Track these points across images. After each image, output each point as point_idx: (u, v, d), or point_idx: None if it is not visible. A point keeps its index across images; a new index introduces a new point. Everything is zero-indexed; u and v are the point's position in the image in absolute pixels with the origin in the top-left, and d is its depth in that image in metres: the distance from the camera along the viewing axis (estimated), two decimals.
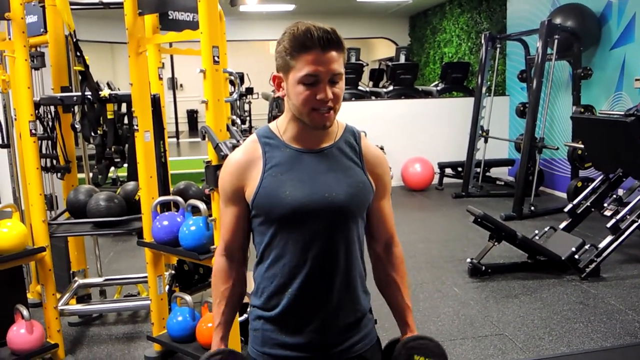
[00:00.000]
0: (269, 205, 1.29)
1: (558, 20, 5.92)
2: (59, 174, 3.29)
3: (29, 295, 3.65)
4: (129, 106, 2.90)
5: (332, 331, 1.35)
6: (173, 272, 3.46)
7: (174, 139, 12.16)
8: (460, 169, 7.47)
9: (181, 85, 15.19)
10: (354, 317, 1.38)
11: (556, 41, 5.81)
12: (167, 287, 3.17)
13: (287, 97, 1.28)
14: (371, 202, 1.38)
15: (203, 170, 2.66)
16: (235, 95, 2.75)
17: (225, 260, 1.41)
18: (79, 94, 2.91)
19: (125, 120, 3.17)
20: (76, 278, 3.55)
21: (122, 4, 2.79)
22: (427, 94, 8.49)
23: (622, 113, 4.46)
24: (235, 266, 1.42)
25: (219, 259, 1.42)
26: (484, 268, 4.17)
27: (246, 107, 12.08)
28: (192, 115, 15.67)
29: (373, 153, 1.40)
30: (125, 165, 3.42)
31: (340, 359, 1.36)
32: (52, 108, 3.18)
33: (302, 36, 1.21)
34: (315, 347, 1.34)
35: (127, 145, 3.19)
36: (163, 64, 3.31)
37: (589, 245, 4.16)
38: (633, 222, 4.13)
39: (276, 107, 7.92)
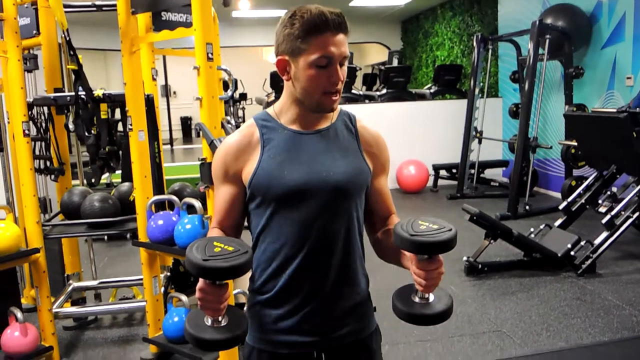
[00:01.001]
0: (266, 185, 1.28)
1: (549, 21, 5.96)
2: (52, 176, 3.26)
3: (22, 301, 3.61)
4: (123, 109, 2.88)
5: (330, 315, 1.33)
6: (168, 274, 3.43)
7: (168, 146, 12.14)
8: (454, 170, 7.47)
9: (175, 93, 15.20)
10: (352, 301, 1.36)
11: (547, 41, 5.85)
12: (162, 289, 3.15)
13: (295, 80, 1.27)
14: (369, 182, 1.38)
15: (197, 175, 2.64)
16: (229, 93, 2.75)
17: (220, 231, 1.37)
18: (73, 93, 2.90)
19: (120, 128, 3.15)
20: (70, 281, 3.52)
21: (115, 5, 2.79)
22: (421, 97, 8.52)
23: (615, 110, 4.48)
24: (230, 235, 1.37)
25: (212, 230, 1.38)
26: (480, 266, 4.17)
27: (240, 113, 12.11)
28: (186, 122, 15.68)
29: (369, 133, 1.40)
30: (119, 172, 3.40)
31: (339, 344, 1.35)
32: (46, 109, 3.16)
33: (316, 19, 1.21)
34: (313, 331, 1.33)
35: (120, 152, 3.17)
36: (157, 70, 3.30)
37: (584, 242, 4.17)
38: (628, 217, 4.14)
39: None
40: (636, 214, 4.16)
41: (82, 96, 2.88)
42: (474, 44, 7.05)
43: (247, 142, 1.32)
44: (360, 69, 9.61)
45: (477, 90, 7.13)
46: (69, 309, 3.36)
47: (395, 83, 8.38)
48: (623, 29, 5.64)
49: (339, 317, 1.35)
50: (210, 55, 2.48)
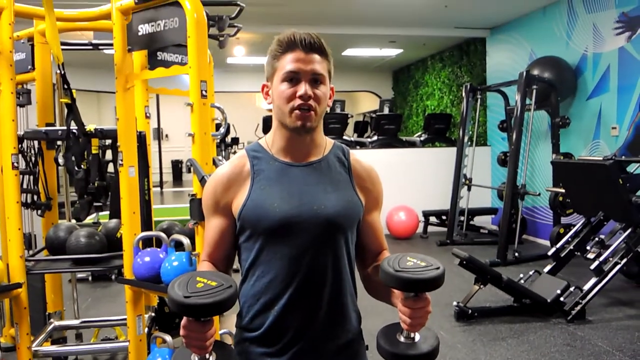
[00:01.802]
0: (256, 217, 1.26)
1: (535, 72, 6.13)
2: (39, 211, 3.22)
3: (1, 340, 3.51)
4: (114, 146, 2.88)
5: (321, 354, 1.29)
6: (153, 314, 3.36)
7: (158, 189, 12.10)
8: (444, 217, 7.50)
9: (167, 136, 15.29)
10: (344, 339, 1.32)
11: (534, 92, 6.00)
12: (146, 329, 3.07)
13: (272, 101, 1.29)
14: (361, 217, 1.36)
15: (187, 217, 2.61)
16: (222, 130, 2.76)
17: (210, 264, 1.34)
18: (64, 128, 2.90)
19: (110, 169, 3.14)
20: (52, 320, 3.43)
21: (111, 44, 2.83)
22: (411, 144, 8.63)
23: (601, 158, 4.56)
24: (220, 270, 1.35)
25: (202, 264, 1.35)
26: (470, 312, 4.12)
27: (232, 157, 12.20)
28: (177, 165, 15.72)
29: (362, 167, 1.39)
30: (106, 212, 3.36)
31: None
32: (36, 144, 3.16)
33: (286, 38, 1.25)
34: None
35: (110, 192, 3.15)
36: (150, 114, 3.33)
37: (573, 288, 4.15)
38: (616, 263, 4.14)
39: None
40: (624, 260, 4.16)
41: (74, 130, 2.88)
42: (463, 94, 7.22)
43: (237, 173, 1.31)
44: (352, 116, 9.75)
45: (466, 139, 7.24)
46: (48, 347, 3.25)
47: (386, 130, 8.49)
48: (607, 80, 5.81)
49: (329, 356, 1.30)
50: (204, 93, 2.51)
